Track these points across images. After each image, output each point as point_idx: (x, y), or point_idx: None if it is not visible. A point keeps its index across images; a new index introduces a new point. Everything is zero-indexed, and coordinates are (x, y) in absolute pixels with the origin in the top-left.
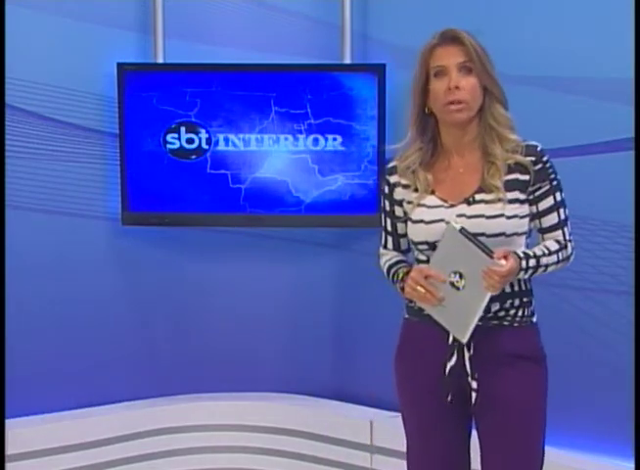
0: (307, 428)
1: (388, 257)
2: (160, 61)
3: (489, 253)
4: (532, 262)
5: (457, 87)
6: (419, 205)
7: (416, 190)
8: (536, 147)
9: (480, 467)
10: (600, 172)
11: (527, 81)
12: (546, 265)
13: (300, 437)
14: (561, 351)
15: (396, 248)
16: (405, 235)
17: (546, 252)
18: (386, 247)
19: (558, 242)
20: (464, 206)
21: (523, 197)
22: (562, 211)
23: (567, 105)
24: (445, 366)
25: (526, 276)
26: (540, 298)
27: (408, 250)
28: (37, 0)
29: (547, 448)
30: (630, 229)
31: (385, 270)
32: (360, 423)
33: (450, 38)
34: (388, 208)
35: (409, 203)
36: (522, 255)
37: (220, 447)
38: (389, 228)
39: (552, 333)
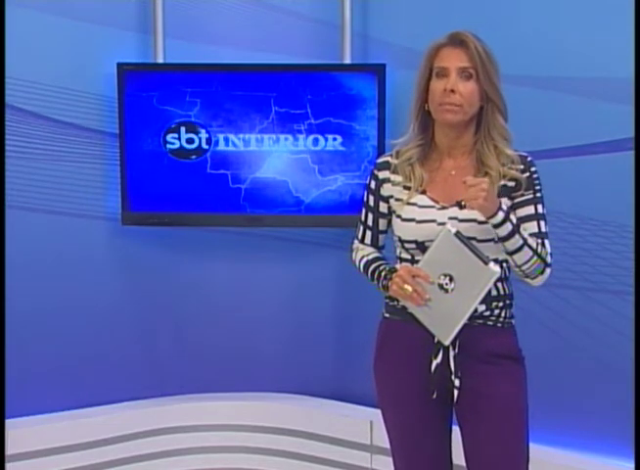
0: (307, 428)
1: (365, 252)
2: (160, 61)
3: (484, 259)
4: (513, 218)
5: (452, 90)
6: (409, 203)
7: (406, 188)
8: (526, 157)
9: (462, 462)
10: (600, 172)
11: (527, 81)
12: (525, 239)
13: (300, 437)
14: (561, 350)
15: (374, 243)
16: (385, 231)
17: (525, 231)
18: (363, 241)
19: (537, 242)
20: (455, 209)
21: (509, 203)
22: (542, 223)
23: (567, 105)
24: (430, 364)
25: (504, 231)
26: (540, 298)
27: (383, 247)
28: (37, 0)
29: (548, 449)
30: (630, 229)
31: (361, 265)
32: (360, 423)
33: (458, 41)
34: (372, 203)
35: (397, 200)
36: (504, 206)
37: (220, 447)
38: (370, 223)
39: (552, 333)
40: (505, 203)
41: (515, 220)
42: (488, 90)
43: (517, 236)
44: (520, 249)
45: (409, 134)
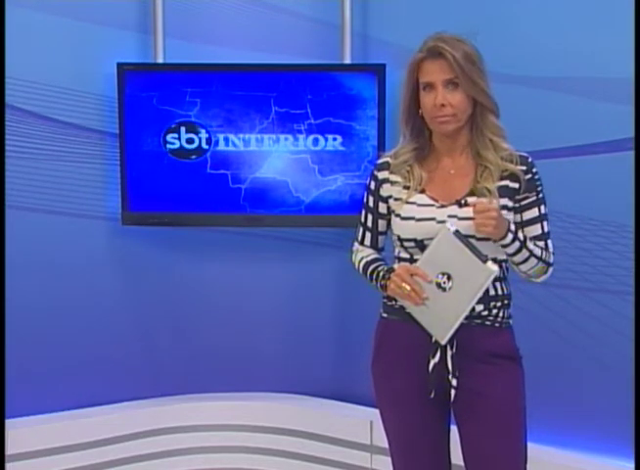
0: (307, 428)
1: (364, 253)
2: (160, 61)
3: (482, 258)
4: (520, 235)
5: (442, 105)
6: (408, 202)
7: (405, 188)
8: (527, 158)
9: (459, 461)
10: (600, 172)
11: (528, 81)
12: (530, 251)
13: (300, 437)
14: (561, 350)
15: (373, 245)
16: (384, 233)
17: (530, 241)
18: (362, 243)
19: (540, 248)
20: (455, 207)
21: (511, 204)
22: (545, 224)
23: (567, 105)
24: (428, 364)
25: (512, 249)
26: (540, 298)
27: (383, 248)
28: (37, 0)
29: (547, 448)
30: (630, 229)
31: (360, 266)
32: (360, 423)
33: (437, 53)
34: (371, 204)
35: (397, 199)
36: (512, 226)
37: (220, 447)
38: (370, 224)
39: (552, 333)
40: (506, 203)
41: (522, 237)
42: (474, 94)
43: (524, 250)
44: (526, 260)
45: (402, 141)
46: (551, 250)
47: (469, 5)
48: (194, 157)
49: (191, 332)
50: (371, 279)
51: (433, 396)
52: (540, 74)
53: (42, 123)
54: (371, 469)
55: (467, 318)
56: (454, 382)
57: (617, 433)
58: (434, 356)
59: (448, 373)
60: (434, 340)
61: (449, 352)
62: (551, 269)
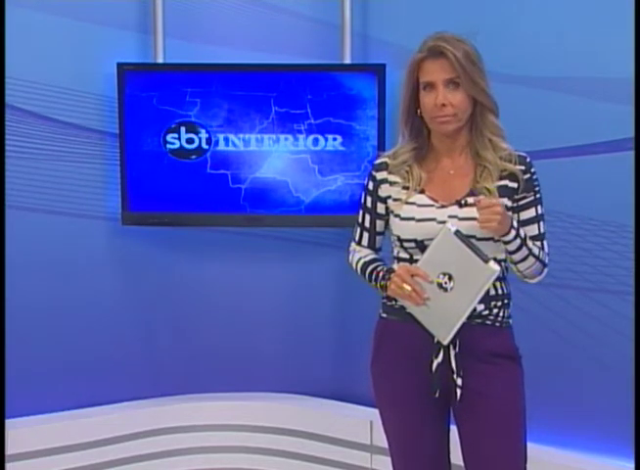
0: (307, 428)
1: (362, 253)
2: (160, 61)
3: (484, 257)
4: (522, 233)
5: (443, 105)
6: (407, 202)
7: (404, 188)
8: (526, 158)
9: (459, 461)
10: (600, 172)
11: (528, 81)
12: (530, 249)
13: (300, 437)
14: (561, 350)
15: (371, 245)
16: (382, 233)
17: (529, 240)
18: (360, 243)
19: (538, 247)
20: (455, 207)
21: (510, 204)
22: (542, 224)
23: (567, 105)
24: (431, 364)
25: (513, 246)
26: (540, 298)
27: (380, 249)
28: (37, 0)
29: (547, 448)
30: (630, 229)
31: (358, 267)
32: (360, 423)
33: (438, 53)
34: (369, 204)
35: (396, 200)
36: (514, 223)
37: (220, 447)
38: (367, 225)
39: (552, 333)
40: (506, 203)
41: (523, 234)
42: (475, 94)
43: (524, 248)
44: (525, 258)
45: (401, 141)
46: (546, 250)
47: (469, 5)
48: (194, 157)
49: (191, 332)
50: (370, 280)
51: (437, 395)
52: (540, 74)
53: (42, 123)
54: (371, 469)
55: (468, 318)
56: (459, 381)
57: (617, 433)
58: (436, 357)
59: (452, 373)
60: (435, 340)
61: (452, 352)
62: (546, 270)
